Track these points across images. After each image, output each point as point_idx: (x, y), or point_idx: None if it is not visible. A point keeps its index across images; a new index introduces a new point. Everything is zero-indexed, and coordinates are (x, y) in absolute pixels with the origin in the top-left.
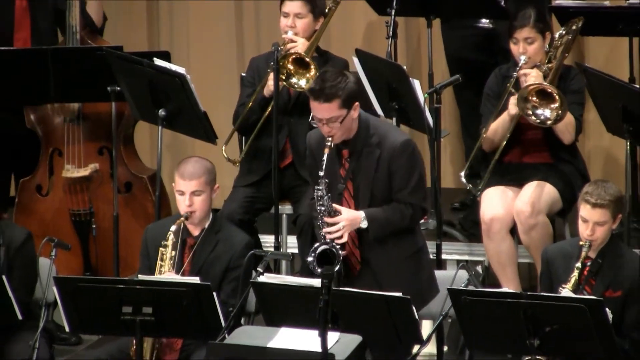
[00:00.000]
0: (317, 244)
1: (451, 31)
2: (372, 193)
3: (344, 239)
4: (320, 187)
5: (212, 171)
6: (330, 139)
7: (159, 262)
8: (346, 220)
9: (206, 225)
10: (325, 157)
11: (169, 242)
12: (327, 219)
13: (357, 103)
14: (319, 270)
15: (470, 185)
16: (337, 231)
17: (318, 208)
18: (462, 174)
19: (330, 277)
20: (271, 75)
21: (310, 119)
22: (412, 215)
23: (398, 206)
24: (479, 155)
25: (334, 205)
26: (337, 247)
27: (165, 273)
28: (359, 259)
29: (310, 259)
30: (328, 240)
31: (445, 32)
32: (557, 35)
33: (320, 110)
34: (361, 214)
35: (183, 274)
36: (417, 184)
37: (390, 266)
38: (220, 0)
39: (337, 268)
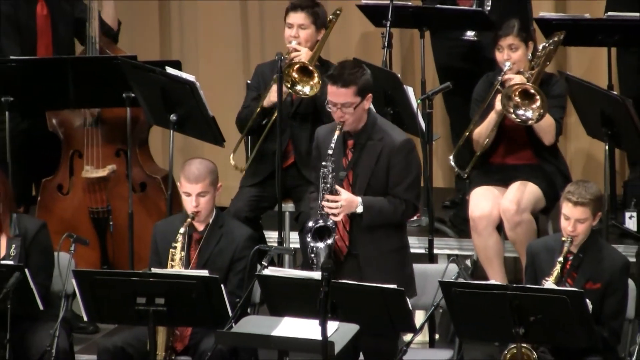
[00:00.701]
0: (317, 218)
1: (439, 42)
2: (369, 184)
3: (339, 217)
4: (327, 164)
5: (215, 172)
6: (341, 123)
7: (169, 262)
8: (345, 200)
9: (210, 221)
10: (335, 138)
11: (179, 244)
12: (328, 196)
13: (370, 95)
14: (310, 242)
15: (458, 170)
16: (335, 208)
17: (322, 185)
18: (451, 157)
19: (330, 270)
20: (273, 87)
21: (325, 103)
22: (405, 210)
23: (393, 200)
24: (466, 155)
25: (336, 186)
26: (332, 224)
27: None
28: (346, 242)
29: (310, 224)
30: (325, 217)
31: (434, 43)
32: (540, 47)
33: (337, 94)
34: (359, 199)
35: (191, 266)
36: (412, 182)
37: (377, 257)
38: (227, 11)
39: (330, 241)
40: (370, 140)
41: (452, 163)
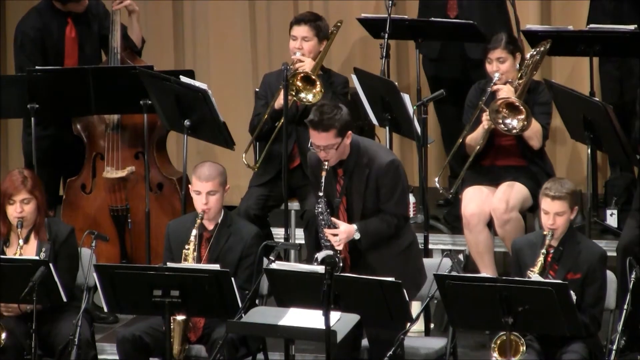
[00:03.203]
0: (320, 252)
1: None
2: (363, 206)
3: (341, 247)
4: (321, 205)
5: (224, 174)
6: (326, 162)
7: (183, 262)
8: (343, 232)
9: (219, 221)
10: (323, 180)
11: (191, 245)
12: (327, 231)
13: (349, 132)
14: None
15: (443, 190)
16: (335, 241)
17: (319, 222)
18: (436, 179)
19: (333, 264)
20: (281, 93)
21: (309, 145)
22: (397, 224)
23: (385, 217)
24: (459, 159)
25: (333, 219)
26: (338, 255)
27: None
28: (348, 262)
29: (315, 257)
30: (329, 249)
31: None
32: (528, 55)
33: (319, 138)
34: (354, 226)
35: (202, 263)
36: (400, 197)
37: (383, 263)
38: (236, 24)
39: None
40: (357, 166)
41: (437, 184)
